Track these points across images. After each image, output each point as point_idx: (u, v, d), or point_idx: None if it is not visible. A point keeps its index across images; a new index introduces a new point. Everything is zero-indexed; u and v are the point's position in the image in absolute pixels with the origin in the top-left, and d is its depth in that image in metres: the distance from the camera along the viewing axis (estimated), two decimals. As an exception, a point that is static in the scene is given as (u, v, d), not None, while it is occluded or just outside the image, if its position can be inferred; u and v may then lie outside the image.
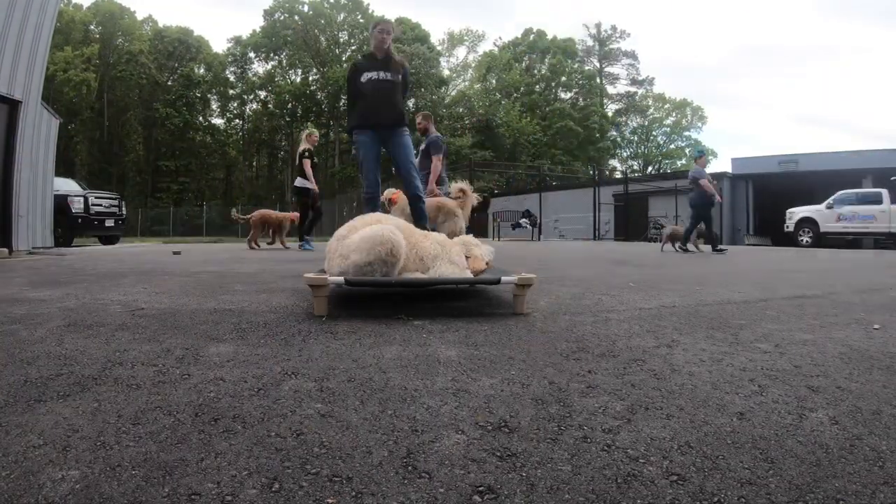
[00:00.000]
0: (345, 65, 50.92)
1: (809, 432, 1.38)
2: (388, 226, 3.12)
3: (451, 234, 5.85)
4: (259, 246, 11.58)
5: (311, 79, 54.07)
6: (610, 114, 60.41)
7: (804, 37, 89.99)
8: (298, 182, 11.03)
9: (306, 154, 10.70)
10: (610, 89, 60.68)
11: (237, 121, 57.31)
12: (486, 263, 3.42)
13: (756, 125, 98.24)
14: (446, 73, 58.43)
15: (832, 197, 19.90)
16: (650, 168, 61.10)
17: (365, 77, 5.42)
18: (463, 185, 6.54)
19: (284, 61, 54.04)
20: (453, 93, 58.28)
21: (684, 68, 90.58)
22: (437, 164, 7.69)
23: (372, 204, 5.45)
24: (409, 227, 3.36)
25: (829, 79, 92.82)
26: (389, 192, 6.74)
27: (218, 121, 56.88)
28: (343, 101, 52.20)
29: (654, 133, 62.70)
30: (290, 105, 53.44)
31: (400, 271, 3.09)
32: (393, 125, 5.44)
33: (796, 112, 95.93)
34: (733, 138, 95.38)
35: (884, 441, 1.32)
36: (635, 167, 62.05)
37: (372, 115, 5.43)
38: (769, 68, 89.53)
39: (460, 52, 65.47)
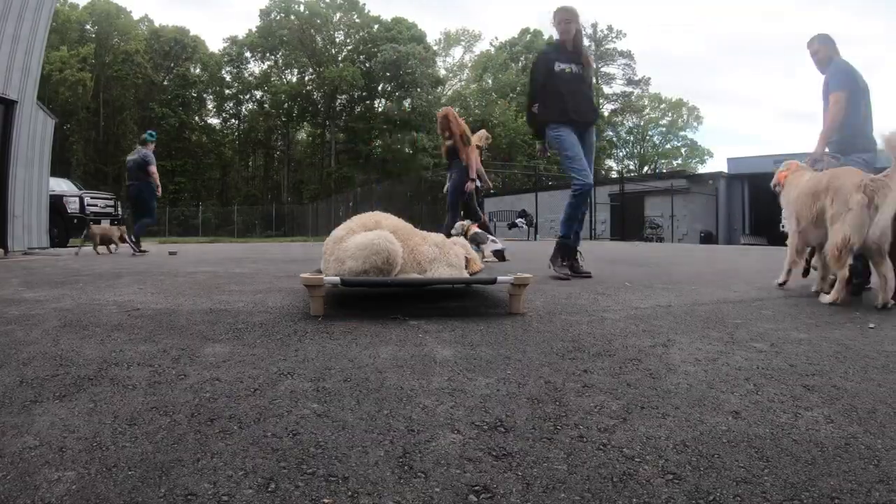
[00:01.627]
0: (341, 64, 50.90)
1: (805, 431, 1.38)
2: (385, 232, 3.10)
3: None
4: None
5: (307, 79, 53.91)
6: (606, 114, 60.39)
7: (797, 31, 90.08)
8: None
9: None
10: (606, 89, 60.63)
11: (233, 121, 57.09)
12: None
13: (752, 124, 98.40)
14: (442, 73, 58.41)
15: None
16: (646, 168, 61.13)
17: (559, 67, 4.98)
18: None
19: (280, 61, 53.89)
20: (449, 93, 58.23)
21: (682, 67, 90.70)
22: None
23: (585, 197, 4.97)
24: (407, 230, 3.35)
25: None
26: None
27: (214, 121, 56.74)
28: (339, 100, 52.24)
29: (649, 133, 62.69)
30: (286, 105, 53.29)
31: (397, 274, 3.09)
32: (592, 123, 5.15)
33: (793, 109, 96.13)
34: (731, 137, 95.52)
35: (879, 439, 1.33)
36: (631, 167, 62.04)
37: (575, 110, 4.95)
38: (764, 65, 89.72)
39: (456, 52, 65.53)
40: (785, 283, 4.30)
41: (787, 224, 4.17)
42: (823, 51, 4.79)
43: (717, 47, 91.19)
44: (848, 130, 4.45)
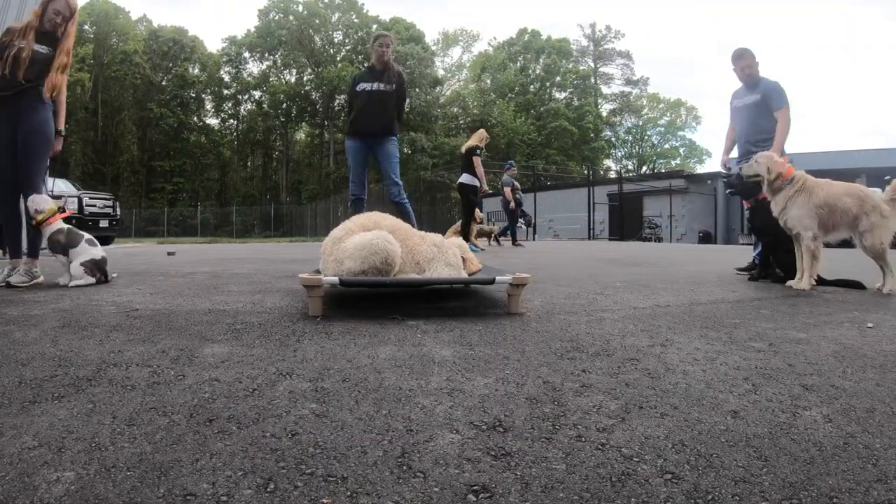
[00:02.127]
0: (339, 65, 50.89)
1: (803, 430, 1.38)
2: (383, 232, 3.10)
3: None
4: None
5: (305, 79, 53.96)
6: (604, 114, 60.48)
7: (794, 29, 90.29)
8: (466, 178, 10.68)
9: (477, 151, 10.59)
10: (604, 89, 60.79)
11: (232, 121, 57.16)
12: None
13: None
14: (441, 73, 58.43)
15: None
16: (644, 168, 61.24)
17: (360, 87, 5.80)
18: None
19: (279, 61, 53.91)
20: (448, 93, 58.25)
21: (680, 65, 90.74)
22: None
23: (357, 206, 5.79)
24: (406, 230, 3.35)
25: (817, 72, 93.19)
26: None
27: (212, 121, 56.79)
28: (338, 101, 52.22)
29: (648, 133, 62.83)
30: (284, 105, 53.32)
31: (395, 274, 3.09)
32: (381, 134, 5.76)
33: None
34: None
35: (877, 439, 1.33)
36: (630, 167, 62.16)
37: (361, 123, 5.80)
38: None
39: (455, 52, 65.63)
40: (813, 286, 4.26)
41: (804, 229, 4.17)
42: (755, 67, 5.03)
43: (712, 45, 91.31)
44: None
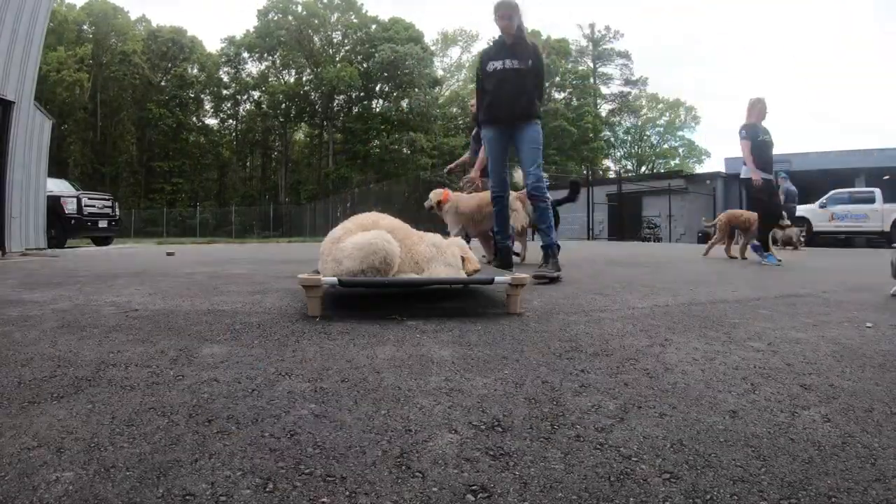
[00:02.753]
0: (338, 65, 50.84)
1: (802, 430, 1.39)
2: (382, 232, 3.10)
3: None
4: (740, 256, 8.96)
5: (304, 79, 53.89)
6: (603, 114, 60.38)
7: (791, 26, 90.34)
8: (744, 171, 8.45)
9: (742, 132, 7.93)
10: (603, 89, 60.62)
11: (231, 121, 57.11)
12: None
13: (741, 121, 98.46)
14: (440, 73, 58.41)
15: (825, 196, 19.99)
16: (644, 168, 61.19)
17: (490, 66, 4.97)
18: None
19: (278, 61, 53.85)
20: (447, 93, 58.25)
21: (679, 65, 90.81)
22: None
23: (499, 204, 5.17)
24: (404, 230, 3.35)
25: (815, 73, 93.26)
26: (437, 195, 6.58)
27: (211, 121, 56.75)
28: (337, 101, 52.21)
29: (647, 133, 62.74)
30: (283, 105, 53.28)
31: (394, 274, 3.09)
32: (521, 117, 4.90)
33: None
34: (726, 136, 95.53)
35: (876, 439, 1.33)
36: (629, 167, 62.11)
37: (497, 108, 4.98)
38: (753, 60, 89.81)
39: (454, 53, 65.49)
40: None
41: None
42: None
43: (711, 45, 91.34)
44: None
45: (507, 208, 5.23)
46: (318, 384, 1.72)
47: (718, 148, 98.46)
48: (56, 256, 8.78)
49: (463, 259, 3.39)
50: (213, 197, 54.33)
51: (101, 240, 15.66)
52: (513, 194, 5.71)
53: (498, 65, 4.91)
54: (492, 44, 5.22)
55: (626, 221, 28.60)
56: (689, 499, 1.06)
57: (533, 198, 4.98)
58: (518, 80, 4.85)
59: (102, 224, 15.00)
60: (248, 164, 58.87)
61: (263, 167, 58.26)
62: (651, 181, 32.94)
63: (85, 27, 49.49)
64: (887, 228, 18.21)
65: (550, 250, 4.85)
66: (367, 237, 3.03)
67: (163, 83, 52.16)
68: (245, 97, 55.42)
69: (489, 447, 1.27)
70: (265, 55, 53.58)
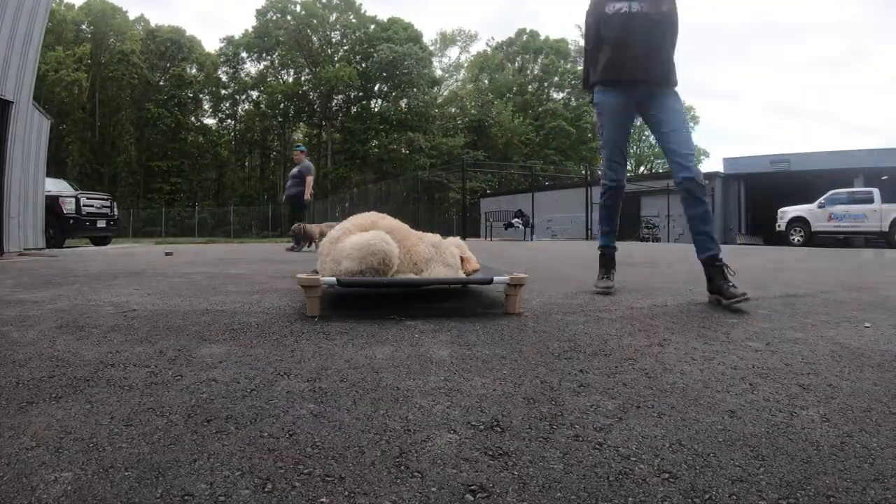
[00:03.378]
0: (337, 65, 50.81)
1: (800, 430, 1.39)
2: (381, 232, 3.10)
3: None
4: None
5: (303, 79, 53.94)
6: (601, 114, 60.41)
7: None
8: None
9: None
10: (601, 89, 60.68)
11: (229, 121, 57.13)
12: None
13: (737, 119, 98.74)
14: (439, 73, 58.43)
15: (824, 196, 20.03)
16: (642, 168, 61.24)
17: (612, 7, 3.57)
18: None
19: (276, 61, 53.89)
20: (445, 93, 58.28)
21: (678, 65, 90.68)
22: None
23: (614, 198, 3.96)
24: (403, 230, 3.34)
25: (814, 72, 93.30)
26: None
27: (210, 121, 56.78)
28: (336, 101, 52.17)
29: (645, 133, 62.76)
30: (282, 105, 53.31)
31: (393, 274, 3.09)
32: (656, 82, 3.60)
33: (779, 102, 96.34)
34: (720, 136, 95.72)
35: (874, 438, 1.34)
36: (627, 167, 62.14)
37: (622, 64, 3.60)
38: (745, 56, 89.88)
39: (453, 52, 65.61)
40: None
41: None
42: None
43: (712, 45, 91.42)
44: None
45: (619, 202, 4.01)
46: (317, 384, 1.72)
47: (717, 148, 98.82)
48: (54, 256, 8.77)
49: (462, 259, 3.40)
50: (211, 197, 54.34)
51: (100, 240, 15.65)
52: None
53: (622, 5, 3.54)
54: None
55: (625, 221, 28.61)
56: (687, 498, 1.06)
57: (690, 196, 3.48)
58: (652, 30, 3.53)
59: (101, 224, 14.98)
60: (246, 163, 58.86)
61: (262, 167, 58.27)
62: (649, 181, 32.93)
63: (83, 27, 49.48)
64: (886, 228, 18.26)
65: (720, 261, 3.44)
66: (365, 237, 3.03)
67: (161, 83, 52.16)
68: (243, 97, 55.46)
69: (488, 447, 1.27)
70: (264, 55, 53.63)
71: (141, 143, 50.91)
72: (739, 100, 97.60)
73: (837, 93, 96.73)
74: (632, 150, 60.59)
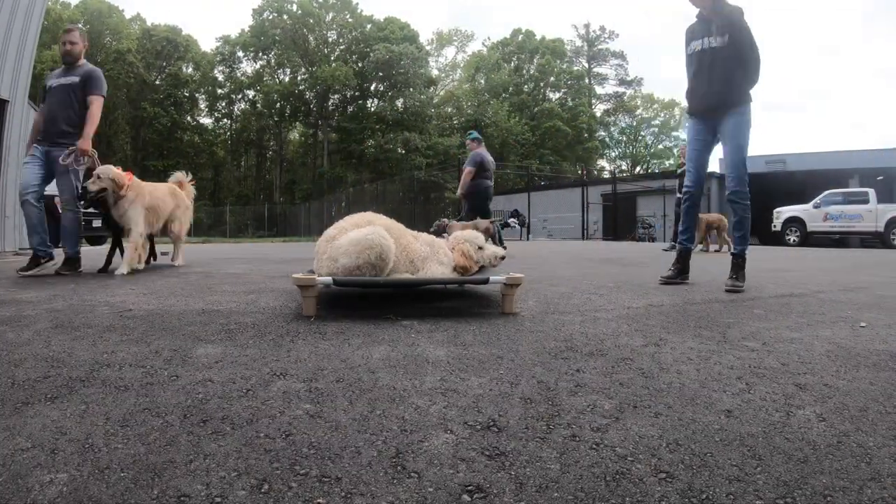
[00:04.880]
0: (333, 64, 50.75)
1: (797, 429, 1.39)
2: (378, 228, 3.10)
3: None
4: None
5: (299, 78, 53.82)
6: (598, 114, 60.52)
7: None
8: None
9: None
10: (598, 89, 60.78)
11: (225, 120, 57.00)
12: (481, 265, 3.44)
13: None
14: (435, 73, 58.41)
15: (819, 196, 20.07)
16: (638, 168, 61.33)
17: (691, 48, 4.44)
18: None
19: (273, 60, 53.75)
20: (442, 93, 58.24)
21: (677, 63, 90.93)
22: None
23: (689, 202, 4.66)
24: (399, 229, 3.35)
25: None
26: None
27: (206, 120, 56.64)
28: (332, 100, 52.18)
29: (642, 133, 62.91)
30: (278, 105, 53.19)
31: (389, 273, 3.08)
32: (720, 107, 4.30)
33: (771, 101, 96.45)
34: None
35: (870, 437, 1.34)
36: (623, 167, 62.25)
37: (695, 96, 4.48)
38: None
39: (449, 52, 65.60)
40: None
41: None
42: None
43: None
44: None
45: (697, 208, 4.74)
46: (313, 384, 1.72)
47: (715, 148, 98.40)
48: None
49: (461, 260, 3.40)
50: (207, 196, 54.12)
51: (96, 239, 15.60)
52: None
53: (698, 44, 4.37)
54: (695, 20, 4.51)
55: (621, 221, 28.66)
56: (684, 498, 1.06)
57: (731, 202, 4.35)
58: (717, 62, 4.26)
59: (96, 223, 14.91)
60: (242, 163, 58.75)
61: (258, 166, 58.18)
62: (645, 181, 33.03)
63: (80, 26, 49.31)
64: (881, 229, 18.31)
65: (742, 260, 4.29)
66: (362, 232, 3.03)
67: (157, 82, 52.01)
68: (240, 96, 55.32)
69: (485, 447, 1.27)
70: (260, 54, 53.51)
71: (137, 142, 50.76)
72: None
73: (837, 94, 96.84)
74: (627, 151, 60.94)
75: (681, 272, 4.59)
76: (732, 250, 4.41)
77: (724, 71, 4.18)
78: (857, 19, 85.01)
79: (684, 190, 4.64)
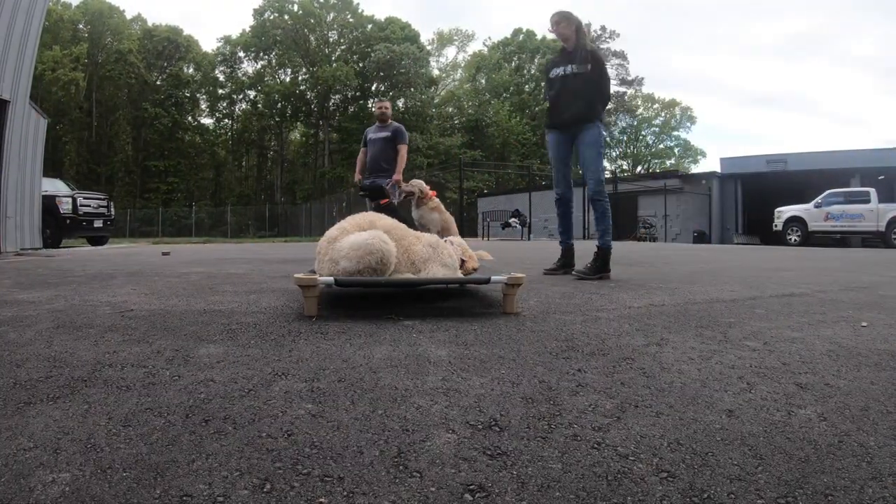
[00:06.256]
0: (334, 64, 50.82)
1: (798, 429, 1.39)
2: (378, 231, 3.09)
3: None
4: None
5: (300, 78, 53.88)
6: (599, 113, 60.44)
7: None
8: None
9: None
10: (599, 89, 60.71)
11: (226, 121, 57.10)
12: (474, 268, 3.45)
13: (715, 111, 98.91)
14: (436, 72, 58.41)
15: (820, 196, 20.07)
16: (639, 168, 61.35)
17: (553, 73, 5.24)
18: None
19: (274, 61, 53.83)
20: (442, 92, 58.24)
21: (676, 64, 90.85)
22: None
23: (561, 206, 5.45)
24: (401, 230, 3.34)
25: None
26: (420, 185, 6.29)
27: (207, 121, 56.74)
28: (333, 100, 52.18)
29: (643, 133, 62.91)
30: (279, 105, 53.25)
31: (391, 274, 3.08)
32: (579, 121, 5.05)
33: (754, 92, 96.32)
34: (723, 136, 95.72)
35: (872, 437, 1.34)
36: (624, 167, 62.26)
37: (556, 113, 5.24)
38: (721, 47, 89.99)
39: (450, 52, 65.59)
40: None
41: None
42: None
43: (709, 45, 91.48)
44: None
45: (569, 209, 5.48)
46: (315, 384, 1.72)
47: (714, 148, 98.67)
48: (51, 256, 8.75)
49: (464, 260, 3.40)
50: (208, 196, 54.29)
51: (97, 239, 15.64)
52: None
53: (559, 71, 5.14)
54: (556, 54, 5.43)
55: (622, 221, 28.65)
56: (686, 498, 1.06)
57: (593, 201, 5.14)
58: (578, 84, 5.02)
59: (98, 224, 14.95)
60: (243, 163, 58.82)
61: (259, 167, 58.25)
62: (647, 181, 33.02)
63: (80, 26, 49.37)
64: (883, 228, 18.30)
65: (604, 251, 5.07)
66: (363, 237, 3.02)
67: (158, 82, 52.11)
68: (241, 96, 55.41)
69: (486, 447, 1.27)
70: (261, 54, 53.58)
71: (138, 142, 50.83)
72: (741, 99, 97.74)
73: (837, 94, 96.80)
74: (628, 151, 60.87)
75: (564, 265, 5.42)
76: (598, 243, 5.10)
77: (585, 92, 4.98)
78: (858, 19, 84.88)
79: (556, 198, 5.41)
